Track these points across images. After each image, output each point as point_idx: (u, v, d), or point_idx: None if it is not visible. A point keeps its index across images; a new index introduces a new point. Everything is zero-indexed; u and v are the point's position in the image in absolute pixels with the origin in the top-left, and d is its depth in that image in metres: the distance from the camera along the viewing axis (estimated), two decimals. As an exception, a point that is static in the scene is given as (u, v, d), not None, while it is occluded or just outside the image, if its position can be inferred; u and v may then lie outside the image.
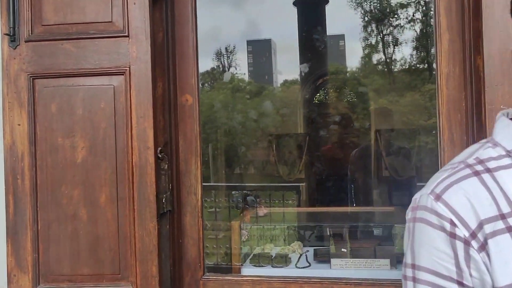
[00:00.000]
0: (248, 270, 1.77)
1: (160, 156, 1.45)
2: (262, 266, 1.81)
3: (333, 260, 1.70)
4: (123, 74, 1.40)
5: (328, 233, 2.00)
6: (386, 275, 1.60)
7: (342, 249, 1.72)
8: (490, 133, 1.22)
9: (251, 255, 1.97)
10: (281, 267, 1.78)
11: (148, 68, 1.40)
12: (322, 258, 1.83)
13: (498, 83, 1.21)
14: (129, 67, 1.40)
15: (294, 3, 5.17)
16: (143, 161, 1.39)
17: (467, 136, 1.38)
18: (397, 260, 1.74)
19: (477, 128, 1.33)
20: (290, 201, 4.64)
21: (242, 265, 1.97)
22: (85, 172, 1.39)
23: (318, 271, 1.76)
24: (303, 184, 5.12)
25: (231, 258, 1.92)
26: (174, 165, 1.54)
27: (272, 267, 1.79)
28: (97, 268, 1.39)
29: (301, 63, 5.80)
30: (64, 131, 1.41)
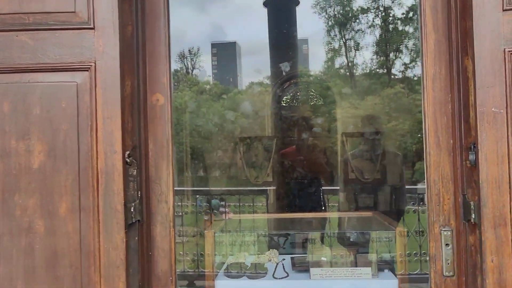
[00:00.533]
0: (222, 283, 1.66)
1: (128, 161, 1.32)
2: (237, 278, 1.70)
3: (312, 270, 1.61)
4: (87, 70, 1.27)
5: (305, 240, 1.91)
6: (368, 285, 1.53)
7: (322, 258, 1.64)
8: (481, 136, 1.18)
9: (224, 265, 1.86)
10: (258, 278, 1.68)
11: (116, 64, 1.28)
12: (301, 267, 1.74)
13: (489, 84, 1.16)
14: (95, 63, 1.27)
15: (264, 4, 5.10)
16: (110, 166, 1.25)
17: (453, 139, 1.34)
18: (378, 268, 1.68)
19: (465, 131, 1.28)
20: (260, 204, 4.55)
21: (216, 273, 1.85)
22: (42, 179, 1.24)
23: (298, 282, 1.67)
24: (271, 188, 5.05)
25: (204, 268, 1.80)
26: (143, 171, 1.41)
27: (248, 278, 1.69)
28: (55, 287, 1.25)
29: (271, 64, 5.73)
30: (18, 133, 1.25)
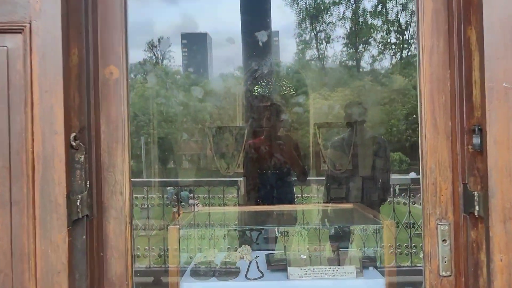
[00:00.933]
0: (189, 285, 1.46)
1: (74, 144, 1.10)
2: (205, 279, 1.50)
3: (290, 269, 1.43)
4: (20, 33, 1.03)
5: (280, 235, 1.73)
6: (352, 285, 1.37)
7: (301, 256, 1.46)
8: (490, 116, 1.02)
9: (191, 264, 1.65)
10: (229, 279, 1.49)
11: (57, 26, 1.05)
12: (277, 266, 1.56)
13: (500, 56, 1.00)
14: (30, 24, 1.03)
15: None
16: (49, 150, 1.03)
17: (452, 121, 1.18)
18: (362, 266, 1.52)
19: (467, 111, 1.12)
20: (231, 196, 4.37)
21: (184, 268, 1.65)
22: (-38, 166, 1.00)
23: (274, 283, 1.49)
24: (242, 178, 4.88)
25: (168, 269, 1.59)
26: (93, 156, 1.19)
27: (218, 279, 1.49)
28: (-18, 297, 1.02)
29: (243, 53, 5.52)
30: None
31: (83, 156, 1.13)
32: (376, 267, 1.56)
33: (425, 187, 1.19)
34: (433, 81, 1.19)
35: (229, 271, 1.50)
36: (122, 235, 1.22)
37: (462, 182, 1.14)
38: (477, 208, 1.06)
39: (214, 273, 1.51)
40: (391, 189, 4.11)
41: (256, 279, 1.49)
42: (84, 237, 1.13)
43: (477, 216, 1.07)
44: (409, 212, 3.85)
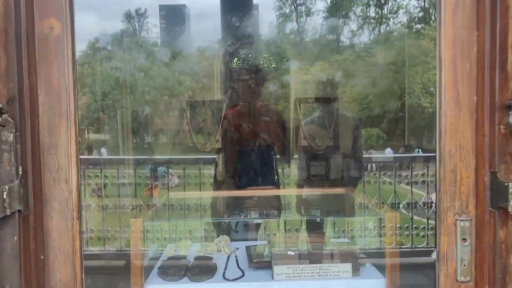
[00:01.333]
0: (155, 288, 1.23)
1: (-1, 119, 0.84)
2: (175, 281, 1.27)
3: (276, 268, 1.22)
4: None
5: (261, 225, 1.51)
6: (348, 286, 1.17)
7: (289, 252, 1.25)
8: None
9: (159, 260, 1.42)
10: (203, 280, 1.26)
11: (-32, -41, 0.77)
12: (260, 263, 1.34)
13: (554, 10, 0.78)
14: None
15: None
16: (-41, 127, 0.77)
17: (478, 95, 0.96)
18: (359, 264, 1.32)
19: (500, 83, 0.91)
20: (207, 172, 4.14)
21: (155, 256, 1.43)
22: None
23: (257, 284, 1.27)
24: (220, 154, 4.65)
25: (145, 247, 1.35)
26: (28, 135, 0.93)
27: (190, 280, 1.27)
28: None
29: (222, 26, 5.23)
30: None
31: (12, 134, 0.88)
32: (374, 264, 1.37)
33: (442, 174, 0.98)
34: (456, 45, 0.97)
35: (203, 270, 1.28)
36: (68, 233, 0.98)
37: (489, 169, 0.93)
38: (511, 203, 0.85)
39: (186, 272, 1.29)
40: (372, 167, 3.97)
41: (235, 279, 1.27)
42: (16, 238, 0.88)
43: (510, 213, 0.87)
44: (395, 191, 3.70)
